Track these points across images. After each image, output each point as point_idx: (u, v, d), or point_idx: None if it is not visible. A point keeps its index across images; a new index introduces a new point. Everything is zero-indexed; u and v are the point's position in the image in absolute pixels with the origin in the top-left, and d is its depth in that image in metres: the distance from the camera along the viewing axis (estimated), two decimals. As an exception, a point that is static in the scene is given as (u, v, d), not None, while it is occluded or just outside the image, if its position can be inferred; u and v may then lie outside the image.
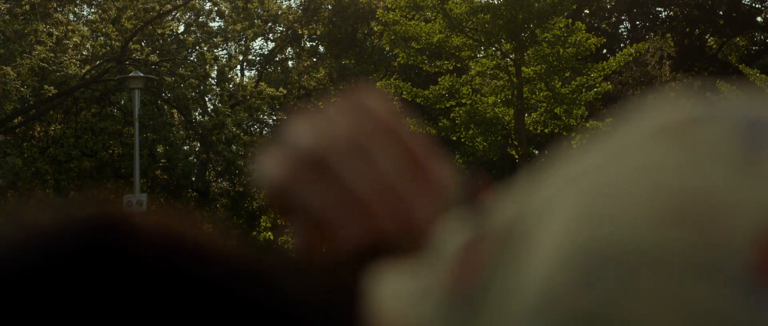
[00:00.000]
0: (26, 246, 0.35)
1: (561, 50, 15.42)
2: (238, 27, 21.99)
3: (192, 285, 0.36)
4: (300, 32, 25.40)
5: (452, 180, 0.51)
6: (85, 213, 0.37)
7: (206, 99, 19.86)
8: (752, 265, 0.25)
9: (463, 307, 0.32)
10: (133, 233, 0.36)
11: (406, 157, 0.50)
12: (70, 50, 18.96)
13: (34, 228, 0.36)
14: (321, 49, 26.02)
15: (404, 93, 16.42)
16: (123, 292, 0.34)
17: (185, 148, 20.05)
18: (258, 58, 26.96)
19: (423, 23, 15.90)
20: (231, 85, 20.99)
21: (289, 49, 26.34)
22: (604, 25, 24.99)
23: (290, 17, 24.97)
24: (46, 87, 17.93)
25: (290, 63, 26.91)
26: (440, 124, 16.46)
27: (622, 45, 24.07)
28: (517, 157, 16.05)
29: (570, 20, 16.12)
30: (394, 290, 0.39)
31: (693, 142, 0.28)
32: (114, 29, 19.71)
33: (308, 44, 26.31)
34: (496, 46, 15.96)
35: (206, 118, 19.65)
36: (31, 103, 18.48)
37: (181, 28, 21.98)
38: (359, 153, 0.49)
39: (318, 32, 25.25)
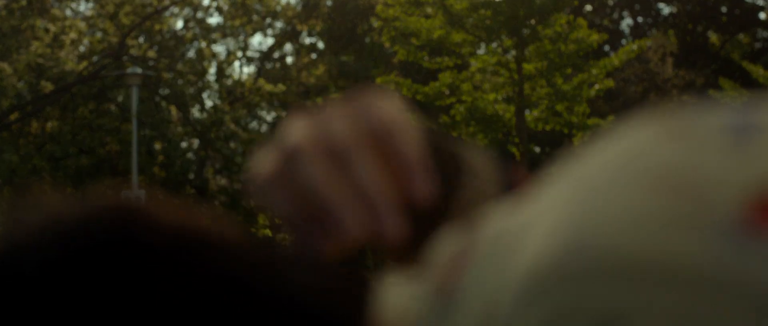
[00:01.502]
0: (40, 238, 0.37)
1: (562, 47, 15.29)
2: (237, 22, 21.85)
3: (207, 276, 0.37)
4: (298, 28, 25.24)
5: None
6: (100, 204, 0.38)
7: (204, 95, 19.75)
8: (739, 220, 0.27)
9: (443, 306, 0.34)
10: (151, 223, 0.37)
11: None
12: (67, 46, 18.82)
13: (48, 220, 0.37)
14: (320, 45, 25.87)
15: (404, 90, 16.26)
16: (141, 283, 0.35)
17: (183, 145, 19.93)
18: (257, 54, 26.81)
19: (423, 19, 15.76)
20: (229, 82, 20.87)
21: (288, 44, 26.17)
22: (605, 22, 24.85)
23: (289, 13, 24.81)
24: (42, 83, 17.80)
25: (289, 59, 26.77)
26: (440, 120, 16.32)
27: (622, 41, 23.94)
28: (517, 155, 15.92)
29: (572, 16, 15.98)
30: (398, 288, 0.40)
31: (681, 134, 0.30)
32: (111, 25, 19.57)
33: (307, 41, 26.17)
34: (497, 42, 15.83)
35: (204, 114, 19.54)
36: (28, 99, 18.33)
37: (179, 25, 21.86)
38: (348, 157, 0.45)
39: (317, 28, 25.09)
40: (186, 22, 21.51)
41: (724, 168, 0.28)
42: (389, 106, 0.47)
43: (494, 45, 16.01)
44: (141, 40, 20.13)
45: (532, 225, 0.31)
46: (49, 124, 19.63)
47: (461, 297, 0.33)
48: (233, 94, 20.13)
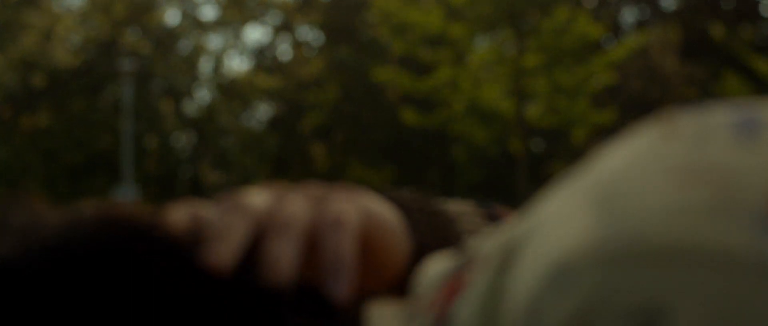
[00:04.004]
0: (28, 252, 0.36)
1: (563, 40, 15.06)
2: (234, 16, 21.64)
3: (196, 289, 0.37)
4: (292, 22, 24.98)
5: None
6: (92, 214, 0.38)
7: (198, 89, 19.57)
8: (766, 209, 0.27)
9: None
10: (143, 235, 0.37)
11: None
12: (58, 40, 18.62)
13: (37, 232, 0.37)
14: (318, 38, 25.61)
15: (402, 83, 16.06)
16: (132, 295, 0.35)
17: (178, 139, 19.74)
18: (253, 50, 26.57)
19: (421, 12, 15.54)
20: (224, 75, 20.68)
21: (285, 35, 25.89)
22: (607, 15, 24.64)
23: (286, 7, 24.57)
24: (34, 76, 17.61)
25: (284, 47, 26.50)
26: (439, 116, 16.09)
27: (623, 30, 23.73)
28: (517, 151, 15.70)
29: (572, 10, 15.75)
30: (387, 313, 0.40)
31: (690, 133, 0.30)
32: (105, 18, 19.36)
33: (303, 35, 25.92)
34: (496, 34, 15.62)
35: (199, 109, 19.37)
36: (20, 92, 18.13)
37: (173, 18, 21.63)
38: None
39: (316, 22, 24.84)
40: (182, 15, 21.29)
41: (742, 164, 0.28)
42: (360, 202, 0.46)
43: (493, 38, 15.79)
44: (135, 33, 19.91)
45: (546, 226, 0.30)
46: (41, 118, 19.40)
47: (459, 319, 0.32)
48: (228, 89, 19.92)
